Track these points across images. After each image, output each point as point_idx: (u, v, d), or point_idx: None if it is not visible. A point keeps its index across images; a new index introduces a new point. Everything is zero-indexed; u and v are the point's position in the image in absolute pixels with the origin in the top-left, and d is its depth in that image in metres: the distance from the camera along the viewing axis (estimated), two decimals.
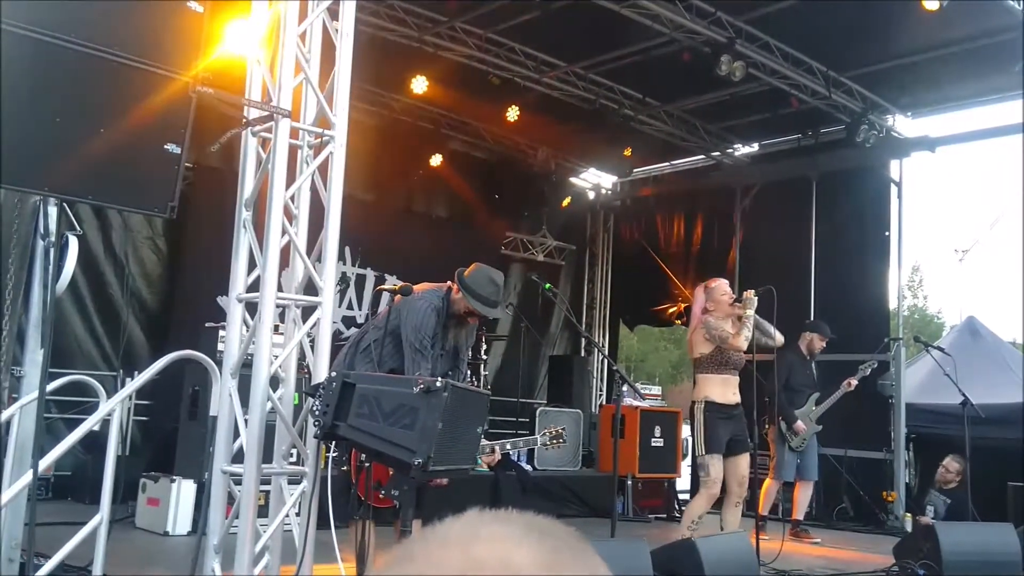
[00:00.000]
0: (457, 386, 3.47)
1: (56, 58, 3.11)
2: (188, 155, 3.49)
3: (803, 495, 8.29)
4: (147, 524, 6.62)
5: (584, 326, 12.89)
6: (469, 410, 3.66)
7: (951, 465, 8.38)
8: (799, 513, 8.24)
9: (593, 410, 11.54)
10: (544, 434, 4.95)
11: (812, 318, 10.14)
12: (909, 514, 9.01)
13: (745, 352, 5.90)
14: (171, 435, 7.19)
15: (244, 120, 3.73)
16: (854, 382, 8.29)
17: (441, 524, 0.71)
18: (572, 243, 13.15)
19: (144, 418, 8.46)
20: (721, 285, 6.06)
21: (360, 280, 10.32)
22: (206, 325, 7.18)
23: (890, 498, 9.35)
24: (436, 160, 10.82)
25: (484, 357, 10.08)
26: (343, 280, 10.04)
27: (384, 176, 10.73)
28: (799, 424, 7.98)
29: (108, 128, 3.26)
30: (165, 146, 3.27)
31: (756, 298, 5.81)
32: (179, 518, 6.45)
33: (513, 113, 9.80)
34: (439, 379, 3.32)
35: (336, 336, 9.44)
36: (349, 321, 10.14)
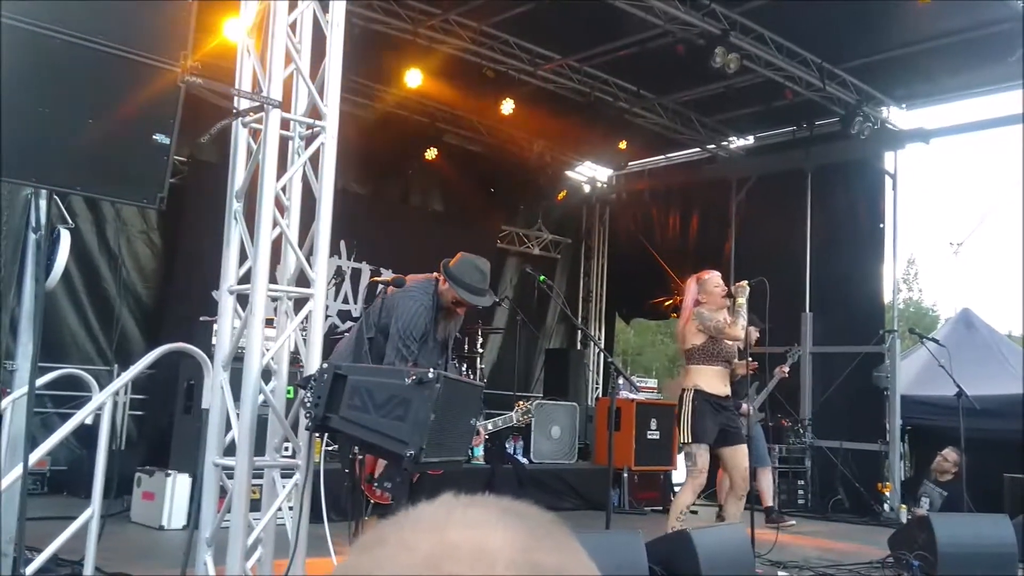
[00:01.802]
0: (449, 377, 3.46)
1: (43, 48, 3.09)
2: (180, 148, 3.48)
3: (764, 482, 8.33)
4: (142, 518, 6.60)
5: (580, 319, 12.89)
6: (462, 401, 3.65)
7: (949, 455, 8.38)
8: (768, 500, 8.26)
9: (589, 403, 11.54)
10: (517, 410, 5.05)
11: (807, 310, 10.17)
12: (905, 506, 9.02)
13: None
14: (166, 429, 7.16)
15: (234, 111, 3.71)
16: (786, 369, 8.34)
17: (415, 508, 0.70)
18: (568, 236, 13.16)
19: (140, 412, 8.45)
20: (714, 277, 6.05)
21: (356, 274, 10.32)
22: (201, 319, 7.16)
23: (885, 489, 9.36)
24: (431, 154, 10.80)
25: (480, 350, 10.08)
26: (338, 274, 10.03)
27: (379, 170, 10.75)
28: (744, 407, 7.99)
29: (96, 119, 3.24)
30: (154, 136, 3.25)
31: (748, 287, 5.82)
32: (174, 512, 6.43)
33: (508, 106, 9.77)
34: (431, 370, 3.31)
35: (332, 330, 9.46)
36: (345, 315, 10.13)
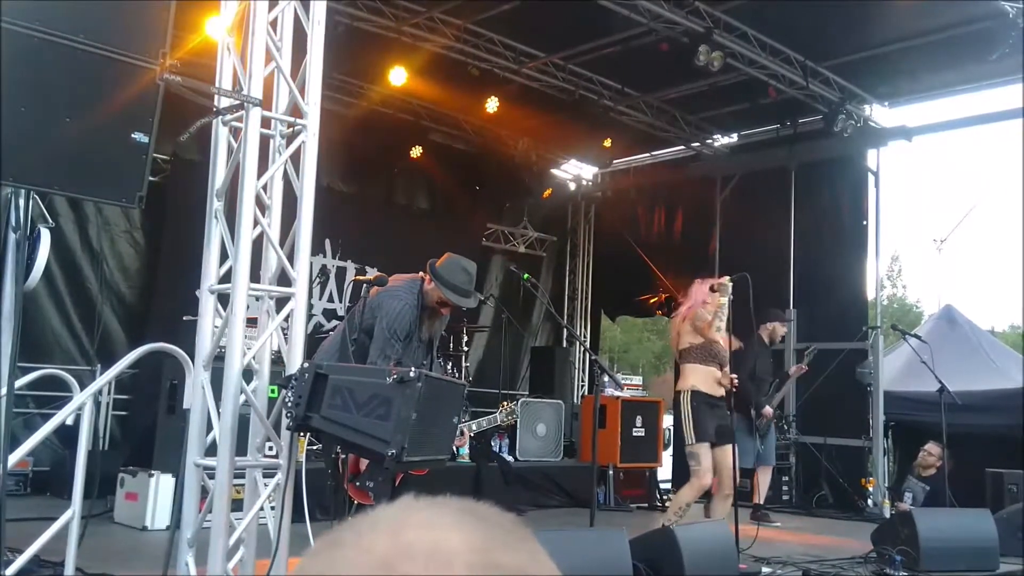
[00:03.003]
0: (431, 376, 3.46)
1: (21, 47, 3.07)
2: (163, 146, 3.47)
3: (764, 480, 8.38)
4: (126, 519, 6.56)
5: (566, 317, 12.89)
6: (444, 400, 3.65)
7: (933, 449, 8.44)
8: (760, 497, 8.31)
9: (575, 401, 11.56)
10: (501, 411, 5.05)
11: (791, 307, 10.21)
12: (888, 501, 9.07)
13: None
14: (150, 429, 7.12)
15: (215, 109, 3.69)
16: (804, 367, 8.47)
17: (373, 510, 0.69)
18: (553, 234, 13.16)
19: (123, 412, 8.41)
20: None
21: (341, 273, 10.29)
22: (184, 318, 7.11)
23: (868, 484, 9.41)
24: (416, 152, 10.77)
25: (465, 348, 10.07)
26: (323, 273, 10.01)
27: (364, 168, 10.72)
28: (767, 410, 8.03)
29: (74, 117, 3.23)
30: (132, 135, 3.23)
31: (730, 284, 5.83)
32: (158, 513, 6.39)
33: (492, 104, 9.76)
34: (413, 369, 3.31)
35: (317, 329, 9.43)
36: (330, 314, 10.10)
